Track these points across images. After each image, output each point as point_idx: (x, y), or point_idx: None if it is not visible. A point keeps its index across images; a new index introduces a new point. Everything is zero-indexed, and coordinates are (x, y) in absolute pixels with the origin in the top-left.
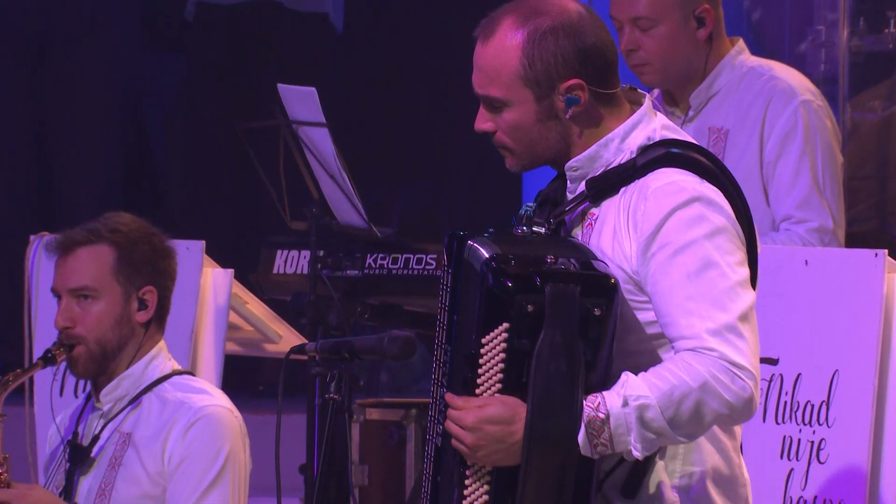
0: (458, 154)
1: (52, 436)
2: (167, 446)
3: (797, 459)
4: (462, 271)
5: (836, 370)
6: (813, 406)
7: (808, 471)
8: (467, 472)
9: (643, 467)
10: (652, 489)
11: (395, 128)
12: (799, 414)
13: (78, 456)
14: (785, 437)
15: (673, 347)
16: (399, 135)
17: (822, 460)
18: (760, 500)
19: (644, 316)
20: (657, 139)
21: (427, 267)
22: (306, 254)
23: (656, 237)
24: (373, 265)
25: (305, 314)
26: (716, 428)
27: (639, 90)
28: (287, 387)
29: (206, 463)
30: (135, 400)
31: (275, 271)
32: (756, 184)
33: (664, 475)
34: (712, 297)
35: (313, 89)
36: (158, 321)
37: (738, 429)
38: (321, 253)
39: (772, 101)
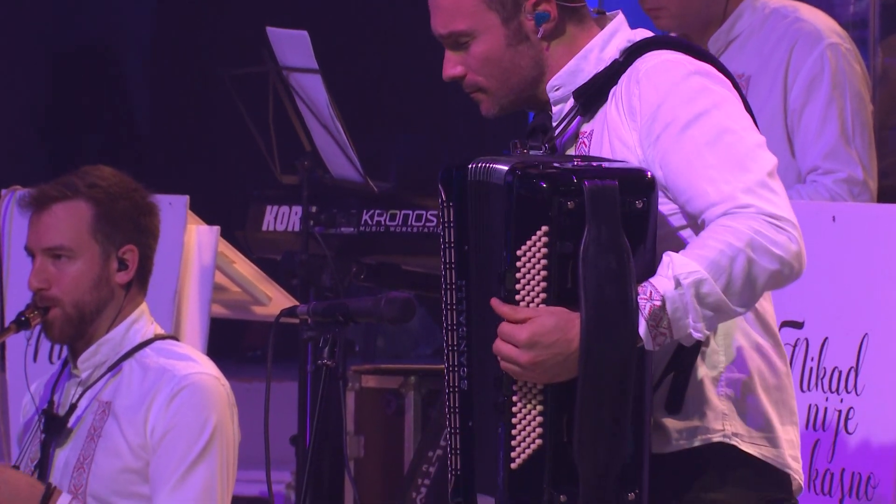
0: (460, 102)
1: (26, 405)
2: (149, 417)
3: (823, 430)
4: (471, 196)
5: (866, 334)
6: (841, 373)
7: (835, 442)
8: (514, 399)
9: (684, 380)
10: (698, 401)
11: (393, 74)
12: (826, 381)
13: (54, 426)
14: (811, 405)
15: (703, 220)
16: (397, 82)
17: (850, 431)
18: None
19: (663, 209)
20: (638, 39)
21: (427, 224)
22: (298, 210)
23: (657, 117)
24: (369, 222)
25: (297, 274)
26: (755, 333)
27: (607, 14)
28: (277, 352)
29: (191, 435)
30: (115, 366)
31: (264, 228)
32: (780, 134)
33: (709, 385)
34: (735, 161)
35: (305, 33)
36: (140, 282)
37: (777, 334)
38: (314, 209)
39: (796, 45)
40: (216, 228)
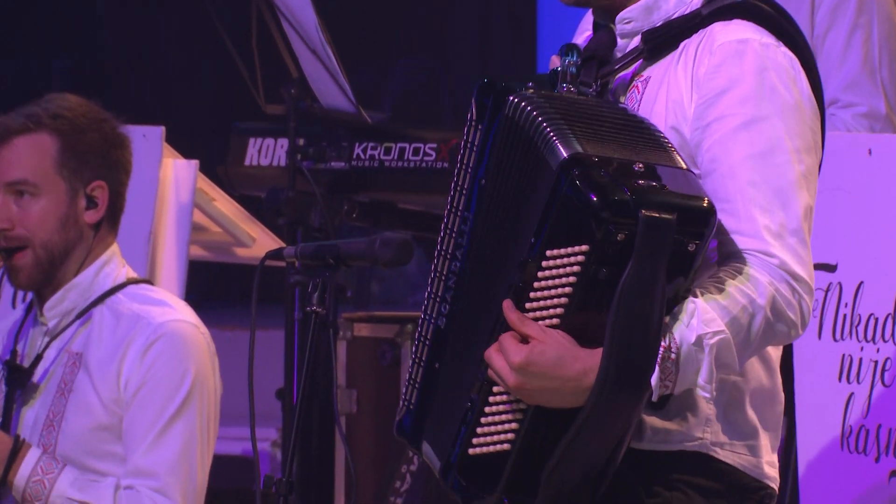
0: (461, 26)
1: None
2: (123, 369)
3: (858, 382)
4: (505, 134)
5: None
6: (877, 320)
7: (870, 395)
8: (496, 389)
9: None
10: (683, 403)
11: None
12: (860, 329)
13: (17, 378)
14: (844, 356)
15: (721, 242)
16: (393, 1)
17: (886, 383)
18: (814, 430)
19: None
20: None
21: (426, 158)
22: (284, 142)
23: (716, 104)
24: (362, 156)
25: (283, 213)
26: None
27: None
28: (262, 298)
29: (168, 389)
30: (84, 314)
31: (247, 163)
32: None
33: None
34: (777, 187)
35: None
36: (110, 221)
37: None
38: (301, 142)
39: None
40: (194, 163)
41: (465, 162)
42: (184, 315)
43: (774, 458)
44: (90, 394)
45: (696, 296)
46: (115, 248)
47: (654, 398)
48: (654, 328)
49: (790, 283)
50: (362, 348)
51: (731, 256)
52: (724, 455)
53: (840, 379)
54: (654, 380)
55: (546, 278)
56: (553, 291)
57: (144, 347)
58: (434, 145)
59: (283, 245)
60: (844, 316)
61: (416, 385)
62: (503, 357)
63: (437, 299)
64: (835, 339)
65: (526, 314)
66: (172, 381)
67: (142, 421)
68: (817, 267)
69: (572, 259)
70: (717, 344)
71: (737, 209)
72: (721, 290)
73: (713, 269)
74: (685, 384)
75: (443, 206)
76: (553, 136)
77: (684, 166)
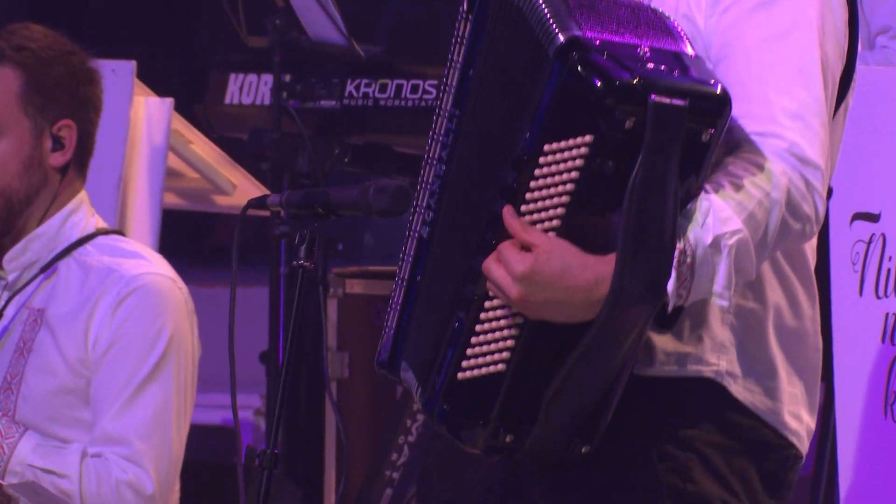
0: None
1: None
2: (91, 326)
3: None
4: (496, 16)
5: None
6: None
7: None
8: (486, 304)
9: None
10: (697, 323)
11: None
12: None
13: None
14: (888, 314)
15: (734, 127)
16: None
17: None
18: (854, 396)
19: None
20: None
21: (425, 96)
22: (268, 79)
23: None
24: (354, 94)
25: (267, 157)
26: (784, 262)
27: None
28: (244, 251)
29: (141, 348)
30: (48, 267)
31: (227, 101)
32: None
33: (714, 307)
34: (798, 67)
35: None
36: (78, 165)
37: (812, 273)
38: (287, 78)
39: None
40: (169, 101)
41: (453, 59)
42: (159, 268)
43: (802, 412)
44: (53, 354)
45: (707, 192)
46: (83, 195)
47: (670, 308)
48: (670, 229)
49: (801, 172)
50: (355, 307)
51: (740, 143)
52: (736, 390)
53: (883, 340)
54: (670, 287)
55: (544, 176)
56: (553, 190)
57: (116, 302)
58: (434, 82)
59: (267, 192)
60: (888, 271)
61: (396, 306)
62: (503, 267)
63: (422, 210)
64: (877, 297)
65: (522, 218)
66: (146, 339)
67: (112, 383)
68: (858, 217)
69: (574, 152)
70: (736, 244)
71: (750, 93)
72: (734, 184)
73: (723, 160)
74: (699, 292)
75: None
76: (549, 17)
77: (693, 52)
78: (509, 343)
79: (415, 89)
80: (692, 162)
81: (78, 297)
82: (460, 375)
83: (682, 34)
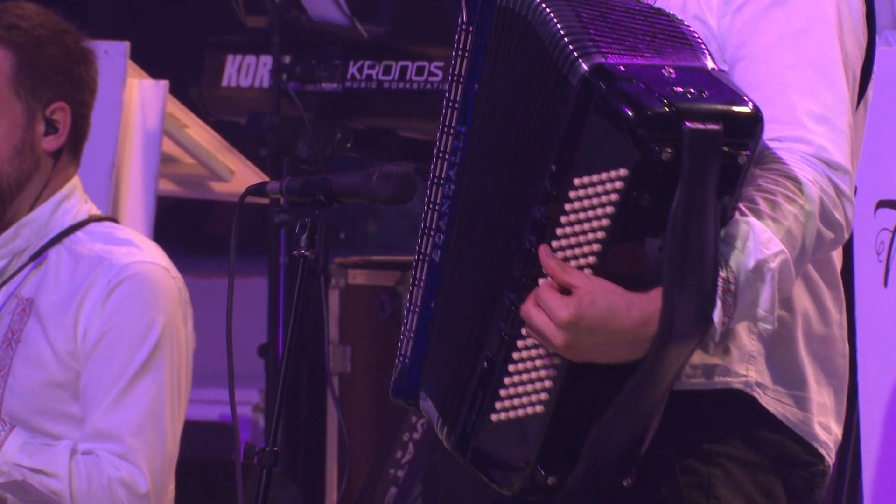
0: None
1: None
2: (81, 317)
3: None
4: (501, 26)
5: None
6: None
7: None
8: (520, 343)
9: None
10: (724, 333)
11: None
12: None
13: None
14: None
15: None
16: None
17: None
18: (879, 391)
19: None
20: None
21: (431, 79)
22: (267, 60)
23: None
24: (357, 76)
25: (266, 142)
26: (811, 267)
27: None
28: (242, 240)
29: (134, 339)
30: (39, 255)
31: (224, 84)
32: None
33: None
34: (820, 67)
35: None
36: (72, 150)
37: (839, 279)
38: (287, 59)
39: None
40: (164, 83)
41: (456, 73)
42: (152, 256)
43: (832, 422)
44: (42, 345)
45: (743, 213)
46: (76, 180)
47: (717, 338)
48: (712, 259)
49: (830, 177)
50: (358, 298)
51: (766, 150)
52: (766, 401)
53: None
54: (716, 317)
55: (576, 211)
56: (587, 226)
57: (106, 292)
58: (440, 64)
59: (267, 179)
60: None
61: (411, 335)
62: (544, 313)
63: (431, 231)
64: None
65: (555, 255)
66: (138, 330)
67: (102, 376)
68: (882, 204)
69: (608, 186)
70: (779, 267)
71: (772, 96)
72: (768, 201)
73: (750, 171)
74: (741, 317)
75: None
76: (564, 37)
77: (715, 66)
78: (547, 384)
79: (420, 71)
80: (728, 184)
81: (68, 286)
82: (494, 417)
83: (700, 43)
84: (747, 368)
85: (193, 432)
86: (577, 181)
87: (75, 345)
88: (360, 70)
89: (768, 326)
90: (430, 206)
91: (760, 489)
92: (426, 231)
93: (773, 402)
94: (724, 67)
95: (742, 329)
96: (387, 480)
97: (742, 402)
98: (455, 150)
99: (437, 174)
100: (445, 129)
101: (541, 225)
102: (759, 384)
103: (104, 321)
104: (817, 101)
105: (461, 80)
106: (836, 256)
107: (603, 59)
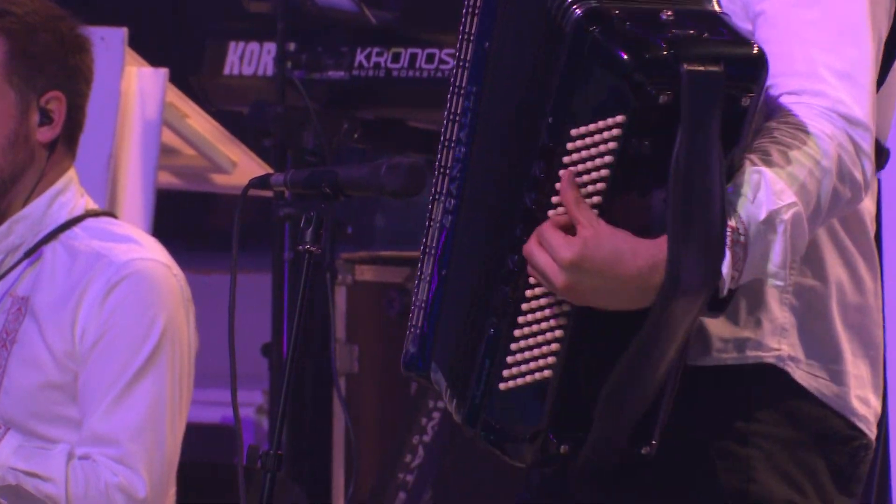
0: None
1: None
2: (79, 317)
3: None
4: None
5: None
6: None
7: None
8: (524, 306)
9: None
10: (754, 305)
11: None
12: None
13: None
14: None
15: (773, 85)
16: None
17: None
18: None
19: None
20: None
21: (441, 66)
22: (271, 47)
23: None
24: (365, 64)
25: (270, 133)
26: (843, 233)
27: None
28: (245, 235)
29: (134, 339)
30: (33, 252)
31: (226, 72)
32: None
33: (771, 288)
34: (843, 22)
35: None
36: (67, 141)
37: (873, 243)
38: (292, 46)
39: None
40: (163, 71)
41: (466, 30)
42: (153, 253)
43: (869, 394)
44: (38, 346)
45: (755, 163)
46: (72, 173)
47: (724, 292)
48: (719, 206)
49: (848, 133)
50: (365, 295)
51: (782, 104)
52: (800, 376)
53: None
54: (724, 268)
55: (574, 163)
56: (586, 178)
57: (105, 290)
58: (451, 51)
59: (270, 171)
60: None
61: (422, 306)
62: (547, 252)
63: (442, 197)
64: None
65: (556, 209)
66: (138, 330)
67: (101, 378)
68: None
69: (605, 135)
70: (791, 219)
71: (791, 51)
72: (782, 153)
73: (763, 125)
74: (752, 272)
75: None
76: None
77: (719, 8)
78: (553, 347)
79: (430, 59)
80: (732, 130)
81: (65, 284)
82: (502, 386)
83: None
84: (780, 342)
85: (194, 435)
86: (573, 132)
87: (73, 345)
88: (368, 57)
89: (779, 283)
90: (441, 170)
91: (802, 468)
92: (436, 196)
93: (807, 376)
94: (748, 26)
95: (774, 300)
96: (396, 485)
97: (776, 377)
98: (466, 111)
99: (447, 136)
100: (455, 90)
101: (539, 181)
102: (792, 358)
103: (103, 321)
104: (839, 57)
105: (472, 37)
106: (870, 222)
107: (597, 3)
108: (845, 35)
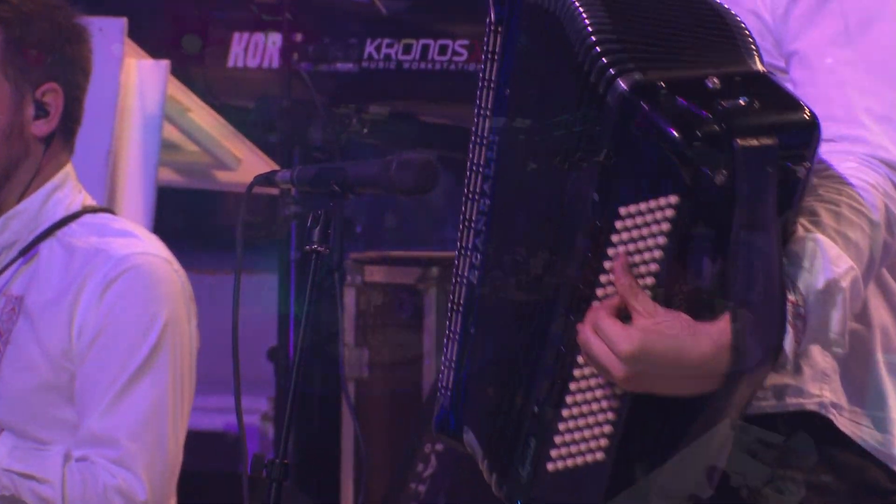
0: None
1: None
2: (76, 313)
3: None
4: (531, 23)
5: None
6: None
7: None
8: (572, 386)
9: None
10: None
11: None
12: None
13: None
14: None
15: None
16: None
17: None
18: None
19: None
20: None
21: (455, 58)
22: (276, 38)
23: None
24: (375, 56)
25: (276, 128)
26: (888, 276)
27: None
28: (250, 234)
29: (133, 336)
30: (29, 249)
31: (230, 64)
32: None
33: None
34: (881, 63)
35: None
36: (64, 135)
37: None
38: (298, 37)
39: None
40: (164, 64)
41: (486, 77)
42: (153, 248)
43: None
44: (32, 346)
45: (807, 228)
46: (69, 168)
47: (788, 366)
48: (779, 283)
49: (893, 180)
50: (375, 297)
51: (821, 156)
52: (842, 423)
53: None
54: (787, 345)
55: (624, 242)
56: (637, 258)
57: (104, 285)
58: (465, 42)
59: (276, 168)
60: None
61: (451, 364)
62: (604, 343)
63: (468, 251)
64: None
65: (604, 289)
66: (138, 327)
67: (99, 377)
68: None
69: (658, 215)
70: (850, 286)
71: (827, 94)
72: (831, 212)
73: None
74: (811, 340)
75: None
76: (593, 41)
77: (762, 68)
78: (606, 429)
79: (443, 50)
80: (787, 199)
81: (61, 281)
82: (551, 467)
83: (747, 37)
84: (821, 388)
85: (197, 443)
86: (622, 210)
87: (70, 343)
88: (378, 49)
89: (839, 350)
90: (465, 223)
91: None
92: (462, 251)
93: (850, 423)
94: (780, 63)
95: (815, 348)
96: (407, 495)
97: (817, 425)
98: (489, 162)
99: (470, 189)
100: (478, 141)
101: (587, 261)
102: (834, 404)
103: (101, 317)
104: (879, 100)
105: (492, 85)
106: None
107: (641, 76)
108: (884, 75)
